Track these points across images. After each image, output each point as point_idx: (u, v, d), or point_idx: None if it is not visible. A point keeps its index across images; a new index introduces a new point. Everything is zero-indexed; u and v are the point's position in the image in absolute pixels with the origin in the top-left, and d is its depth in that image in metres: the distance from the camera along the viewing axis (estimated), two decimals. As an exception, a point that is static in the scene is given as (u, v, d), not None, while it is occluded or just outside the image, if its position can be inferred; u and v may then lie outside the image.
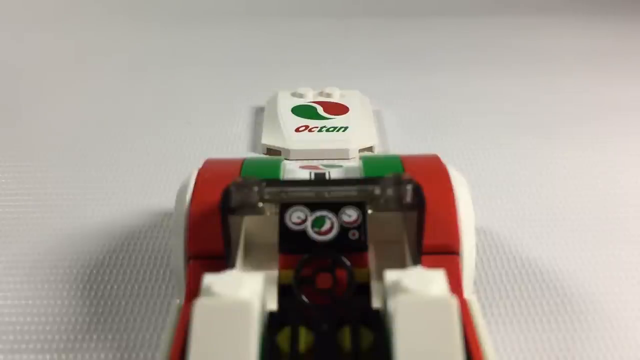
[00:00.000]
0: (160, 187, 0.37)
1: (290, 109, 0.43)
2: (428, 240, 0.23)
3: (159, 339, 0.26)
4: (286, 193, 0.24)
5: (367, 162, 0.28)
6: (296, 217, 0.23)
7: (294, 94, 0.44)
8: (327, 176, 0.27)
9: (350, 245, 0.23)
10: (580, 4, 0.68)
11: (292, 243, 0.23)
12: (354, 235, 0.23)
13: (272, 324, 0.21)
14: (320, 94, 0.44)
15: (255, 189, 0.24)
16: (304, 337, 0.20)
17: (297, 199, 0.24)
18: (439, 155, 0.28)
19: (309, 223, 0.23)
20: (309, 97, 0.44)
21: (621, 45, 0.58)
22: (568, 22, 0.64)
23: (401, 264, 0.24)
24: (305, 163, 0.32)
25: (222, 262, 0.23)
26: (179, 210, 0.25)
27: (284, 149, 0.40)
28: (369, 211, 0.24)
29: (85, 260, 0.31)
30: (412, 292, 0.19)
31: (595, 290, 0.29)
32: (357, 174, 0.27)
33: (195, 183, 0.26)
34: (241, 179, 0.24)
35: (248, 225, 0.25)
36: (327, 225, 0.23)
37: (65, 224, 0.33)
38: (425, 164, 0.27)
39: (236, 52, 0.57)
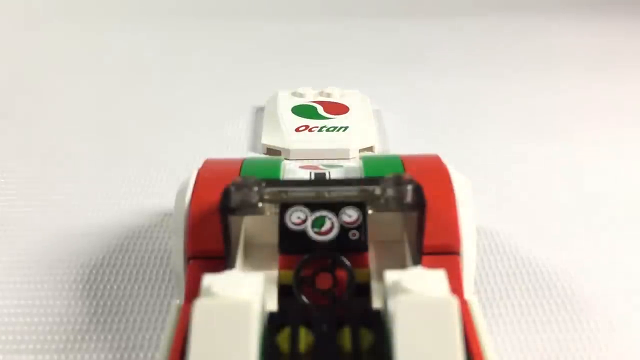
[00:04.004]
0: (160, 187, 0.37)
1: (290, 109, 0.43)
2: (428, 240, 0.23)
3: (159, 339, 0.26)
4: (286, 193, 0.24)
5: (367, 162, 0.28)
6: (296, 217, 0.23)
7: (294, 94, 0.44)
8: (327, 176, 0.27)
9: (350, 245, 0.23)
10: (580, 4, 0.68)
11: (292, 243, 0.23)
12: (354, 235, 0.23)
13: (272, 324, 0.21)
14: (321, 93, 0.44)
15: (255, 189, 0.24)
16: (304, 338, 0.20)
17: (297, 199, 0.24)
18: (439, 155, 0.28)
19: (309, 223, 0.23)
20: (309, 97, 0.44)
21: (622, 45, 0.58)
22: (568, 22, 0.64)
23: (401, 264, 0.24)
24: (305, 163, 0.32)
25: (222, 262, 0.23)
26: (179, 210, 0.25)
27: (284, 149, 0.39)
28: (369, 211, 0.24)
29: (85, 260, 0.31)
30: (413, 293, 0.19)
31: (596, 290, 0.29)
32: (357, 174, 0.27)
33: (195, 183, 0.26)
34: (241, 179, 0.24)
35: (248, 225, 0.25)
36: (327, 226, 0.23)
37: (65, 224, 0.33)
38: (425, 164, 0.27)
39: (236, 52, 0.57)
